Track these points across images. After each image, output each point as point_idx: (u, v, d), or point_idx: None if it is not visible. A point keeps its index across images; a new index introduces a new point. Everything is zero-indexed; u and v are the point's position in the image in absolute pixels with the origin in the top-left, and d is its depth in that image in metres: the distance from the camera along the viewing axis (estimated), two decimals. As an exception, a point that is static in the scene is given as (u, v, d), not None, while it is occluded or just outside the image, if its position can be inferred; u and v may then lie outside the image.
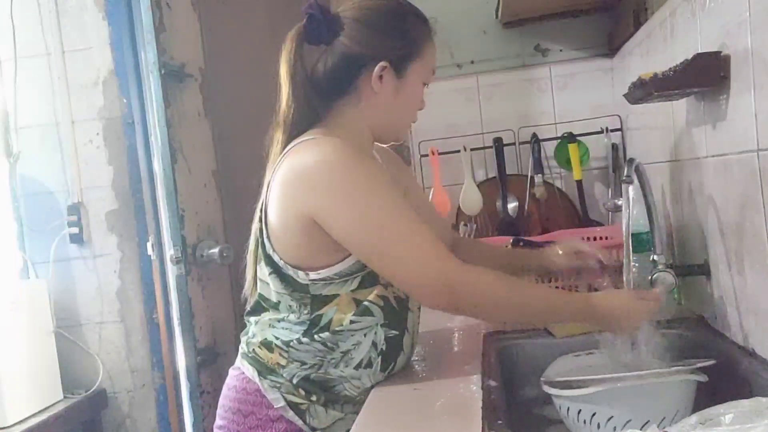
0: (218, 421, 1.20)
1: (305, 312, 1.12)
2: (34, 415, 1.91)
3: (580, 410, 1.02)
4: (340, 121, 1.16)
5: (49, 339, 2.03)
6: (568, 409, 1.05)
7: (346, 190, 1.05)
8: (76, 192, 2.13)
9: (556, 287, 1.58)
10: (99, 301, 2.13)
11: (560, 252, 1.41)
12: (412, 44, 1.16)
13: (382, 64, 1.14)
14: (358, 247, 1.07)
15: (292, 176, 1.08)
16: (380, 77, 1.15)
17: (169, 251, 1.83)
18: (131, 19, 2.05)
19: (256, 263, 1.18)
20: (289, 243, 1.10)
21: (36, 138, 2.14)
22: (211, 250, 1.91)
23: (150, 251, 2.08)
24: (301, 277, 1.10)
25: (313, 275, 1.10)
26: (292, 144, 1.12)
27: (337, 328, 1.11)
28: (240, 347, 1.22)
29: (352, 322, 1.11)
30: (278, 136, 1.16)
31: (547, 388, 1.09)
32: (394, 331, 1.15)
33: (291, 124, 1.15)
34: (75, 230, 2.11)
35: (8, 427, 1.82)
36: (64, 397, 2.06)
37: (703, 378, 1.03)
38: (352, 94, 1.17)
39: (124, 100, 2.10)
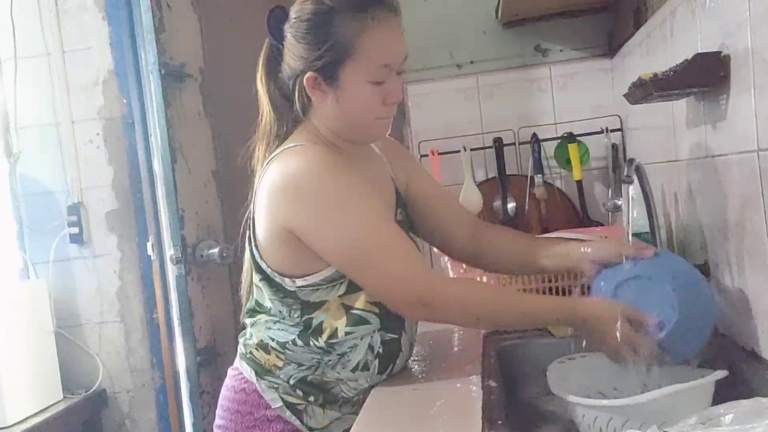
0: (218, 421, 1.21)
1: (296, 316, 1.13)
2: (34, 415, 1.91)
3: (611, 418, 0.97)
4: (311, 128, 1.16)
5: (49, 339, 2.03)
6: (596, 418, 0.99)
7: (323, 205, 1.06)
8: (76, 192, 2.12)
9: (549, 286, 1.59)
10: (99, 301, 2.13)
11: (589, 257, 1.16)
12: (336, 48, 1.08)
13: (309, 75, 1.10)
14: (336, 260, 1.08)
15: (274, 188, 1.08)
16: (318, 87, 1.12)
17: (169, 251, 1.83)
18: (131, 19, 2.05)
19: (251, 268, 1.19)
20: (274, 252, 1.11)
21: (36, 138, 2.14)
22: (211, 250, 1.91)
23: (150, 251, 2.08)
24: (288, 284, 1.11)
25: (299, 282, 1.10)
26: (277, 150, 1.13)
27: (332, 341, 1.11)
28: (238, 348, 1.22)
29: (347, 333, 1.11)
30: (260, 147, 1.18)
31: (572, 398, 1.02)
32: (391, 335, 1.15)
33: (270, 134, 1.17)
34: (75, 230, 2.11)
35: (8, 427, 1.82)
36: (64, 397, 2.05)
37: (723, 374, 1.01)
38: (311, 104, 1.15)
39: (124, 100, 2.10)
